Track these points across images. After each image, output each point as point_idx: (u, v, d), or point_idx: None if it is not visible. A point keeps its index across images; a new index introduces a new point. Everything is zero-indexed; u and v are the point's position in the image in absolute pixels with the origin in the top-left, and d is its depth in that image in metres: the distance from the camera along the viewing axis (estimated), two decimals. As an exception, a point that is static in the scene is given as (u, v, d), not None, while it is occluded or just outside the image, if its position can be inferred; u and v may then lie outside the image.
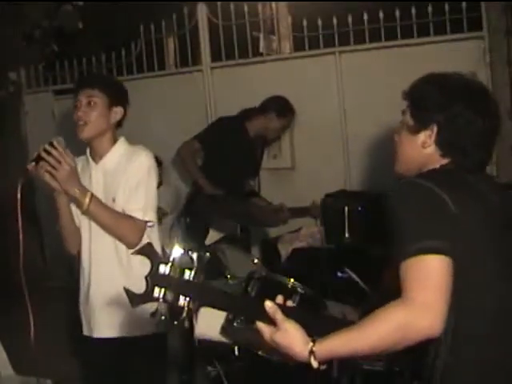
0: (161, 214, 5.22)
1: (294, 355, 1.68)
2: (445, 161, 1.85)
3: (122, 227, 2.62)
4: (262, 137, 4.88)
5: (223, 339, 3.12)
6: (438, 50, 4.81)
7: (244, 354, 3.17)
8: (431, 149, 1.86)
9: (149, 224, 2.68)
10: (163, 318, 1.63)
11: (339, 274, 3.43)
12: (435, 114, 1.83)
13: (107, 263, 2.70)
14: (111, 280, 2.68)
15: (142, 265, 2.65)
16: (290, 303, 1.82)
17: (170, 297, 1.63)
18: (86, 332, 2.81)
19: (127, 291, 1.79)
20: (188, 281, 1.65)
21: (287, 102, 4.86)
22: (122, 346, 2.71)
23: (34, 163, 2.50)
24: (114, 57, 6.07)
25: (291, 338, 1.67)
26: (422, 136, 1.86)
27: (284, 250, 4.77)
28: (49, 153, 2.49)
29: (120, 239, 2.65)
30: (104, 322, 2.73)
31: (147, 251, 1.76)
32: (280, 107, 4.79)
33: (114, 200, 2.66)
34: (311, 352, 1.65)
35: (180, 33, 5.81)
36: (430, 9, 4.84)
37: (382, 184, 4.69)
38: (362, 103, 5.12)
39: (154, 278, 1.67)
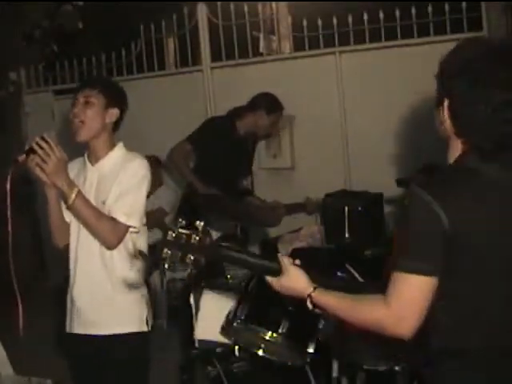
0: (163, 214, 5.26)
1: (296, 293, 1.94)
2: (458, 144, 1.74)
3: (103, 227, 2.64)
4: (252, 134, 4.86)
5: (223, 339, 3.13)
6: (437, 49, 4.78)
7: (244, 354, 3.18)
8: (447, 126, 1.74)
9: (131, 229, 2.70)
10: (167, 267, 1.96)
11: (339, 274, 3.42)
12: (446, 83, 1.71)
13: (91, 263, 2.74)
14: (94, 279, 2.73)
15: (125, 264, 2.72)
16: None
17: (176, 257, 1.91)
18: (67, 329, 2.84)
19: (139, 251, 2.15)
20: (192, 243, 1.90)
21: (275, 99, 4.83)
22: (103, 344, 2.74)
23: (24, 155, 2.53)
24: (114, 57, 6.07)
25: (295, 280, 1.93)
26: (440, 111, 1.75)
27: (284, 250, 4.76)
28: (40, 146, 2.52)
29: (99, 239, 2.68)
30: (86, 319, 2.76)
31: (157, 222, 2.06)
32: (269, 104, 4.76)
33: (103, 203, 2.69)
34: (309, 295, 1.90)
35: (180, 33, 5.81)
36: (430, 9, 4.84)
37: (381, 184, 4.71)
38: (362, 103, 5.12)
39: (162, 242, 1.92)
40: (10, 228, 2.50)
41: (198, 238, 1.90)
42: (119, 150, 2.80)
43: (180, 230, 1.91)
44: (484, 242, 1.68)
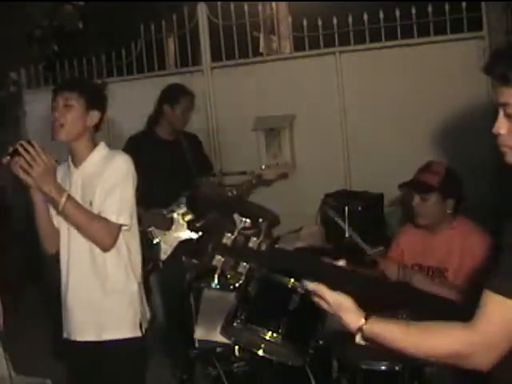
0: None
1: (344, 324, 1.69)
2: None
3: (95, 229, 2.63)
4: (175, 132, 4.61)
5: (223, 339, 3.12)
6: (437, 50, 4.81)
7: (244, 354, 3.17)
8: None
9: (123, 228, 2.68)
10: (218, 286, 1.58)
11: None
12: None
13: (83, 266, 2.72)
14: (87, 283, 2.72)
15: (117, 268, 2.71)
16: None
17: (228, 265, 1.55)
18: (65, 335, 2.83)
19: (185, 259, 1.73)
20: (252, 249, 1.59)
21: (176, 87, 4.67)
22: (99, 349, 2.73)
23: (8, 157, 2.51)
24: (114, 57, 6.07)
25: (343, 310, 1.68)
26: None
27: (284, 250, 4.76)
28: (26, 149, 2.50)
29: (93, 241, 2.66)
30: (80, 325, 2.75)
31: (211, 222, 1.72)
32: (169, 97, 4.56)
33: (91, 203, 2.67)
34: (359, 329, 1.64)
35: (180, 33, 5.81)
36: (430, 9, 4.84)
37: (382, 184, 4.71)
38: (362, 103, 5.12)
39: (216, 247, 1.61)
40: None
41: (258, 240, 1.56)
42: (101, 150, 2.78)
43: (241, 231, 1.51)
44: None
